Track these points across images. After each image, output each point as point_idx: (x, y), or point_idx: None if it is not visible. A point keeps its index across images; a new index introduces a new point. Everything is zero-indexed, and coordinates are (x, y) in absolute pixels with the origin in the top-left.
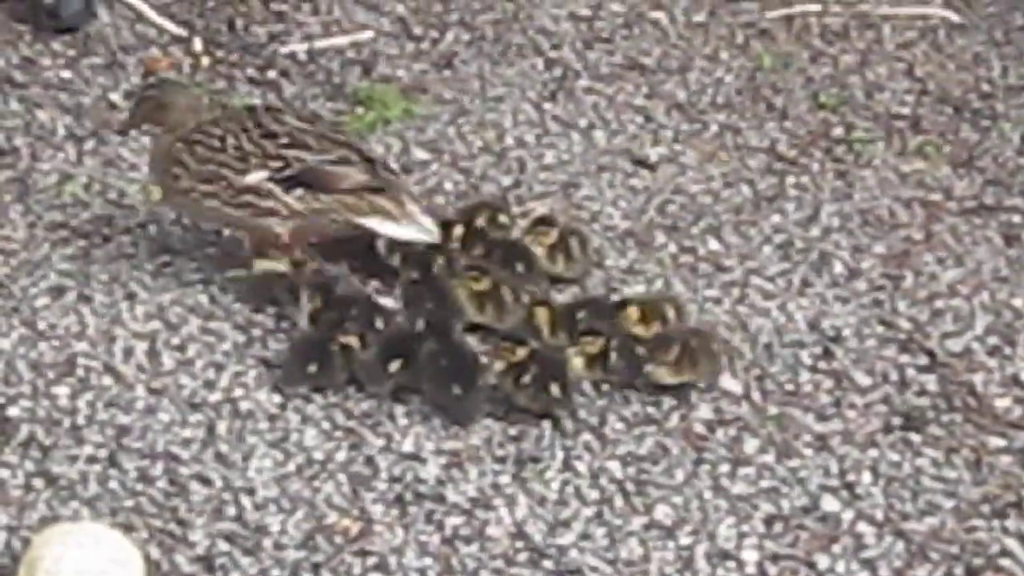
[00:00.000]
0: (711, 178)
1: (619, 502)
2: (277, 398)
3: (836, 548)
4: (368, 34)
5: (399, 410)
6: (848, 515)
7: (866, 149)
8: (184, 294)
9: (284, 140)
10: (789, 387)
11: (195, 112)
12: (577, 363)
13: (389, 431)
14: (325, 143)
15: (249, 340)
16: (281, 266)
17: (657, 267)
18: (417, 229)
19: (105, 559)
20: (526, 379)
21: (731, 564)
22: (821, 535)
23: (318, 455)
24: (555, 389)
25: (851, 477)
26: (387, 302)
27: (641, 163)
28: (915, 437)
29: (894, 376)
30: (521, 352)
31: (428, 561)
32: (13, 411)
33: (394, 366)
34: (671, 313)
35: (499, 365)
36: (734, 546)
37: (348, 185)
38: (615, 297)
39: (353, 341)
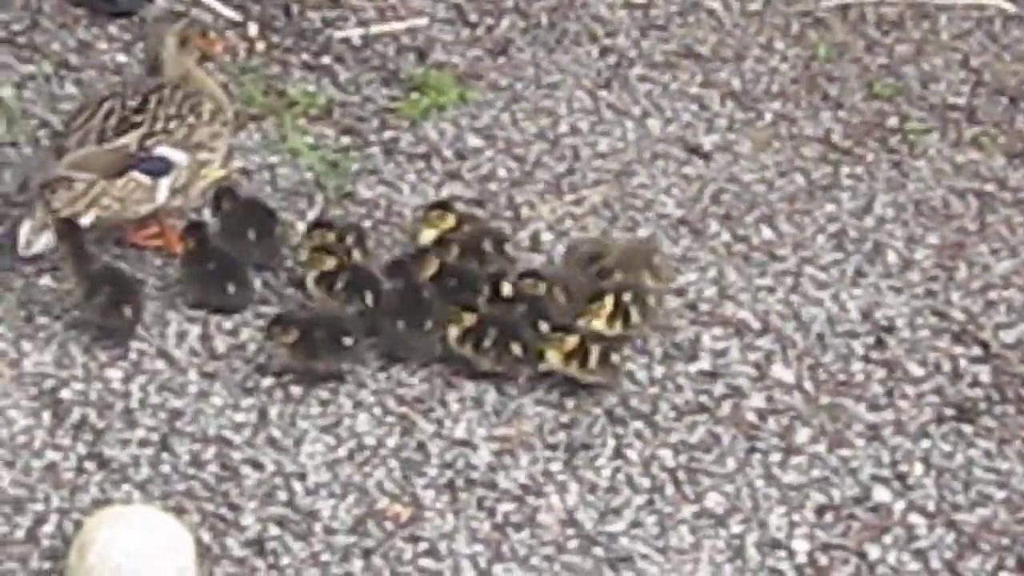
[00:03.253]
0: (765, 167)
1: (670, 490)
2: (330, 383)
3: (887, 539)
4: (423, 20)
5: (451, 396)
6: (900, 505)
7: (920, 139)
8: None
9: None
10: (841, 377)
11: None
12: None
13: (440, 417)
14: None
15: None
16: None
17: (710, 255)
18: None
19: (156, 543)
20: (486, 343)
21: (782, 553)
22: (872, 525)
23: (369, 440)
24: (516, 348)
25: (903, 467)
26: None
27: (695, 151)
28: (967, 428)
29: (947, 367)
30: (469, 317)
31: (479, 547)
32: (66, 394)
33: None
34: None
35: (453, 331)
36: (785, 535)
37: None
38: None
39: None
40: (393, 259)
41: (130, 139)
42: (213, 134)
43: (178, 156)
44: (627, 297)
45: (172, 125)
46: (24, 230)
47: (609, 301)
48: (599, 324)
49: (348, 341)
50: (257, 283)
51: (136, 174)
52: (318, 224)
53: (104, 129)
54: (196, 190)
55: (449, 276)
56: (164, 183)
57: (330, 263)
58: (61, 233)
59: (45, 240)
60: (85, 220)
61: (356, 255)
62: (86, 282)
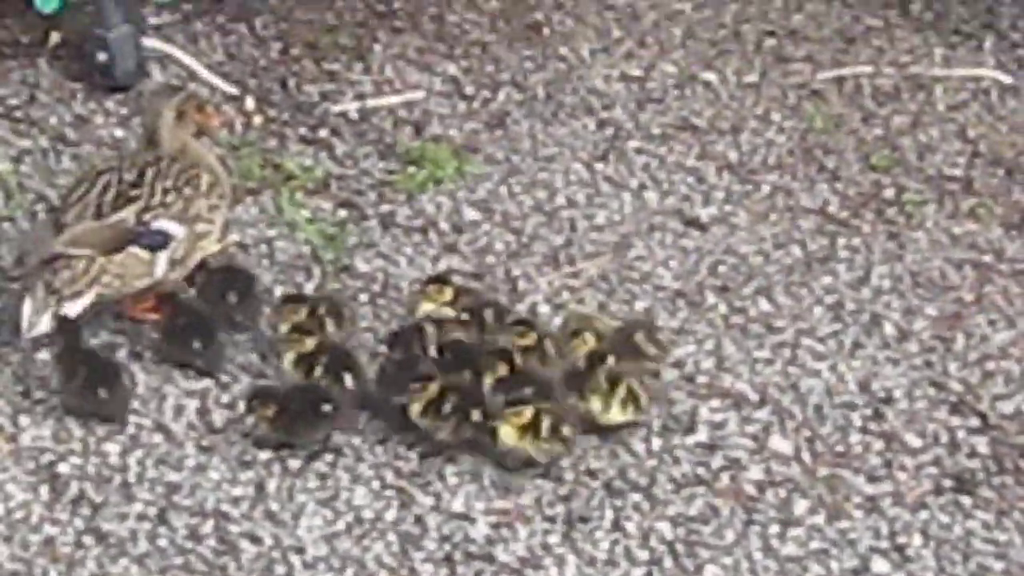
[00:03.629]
0: (762, 239)
1: (669, 563)
2: (328, 456)
3: None
4: (420, 94)
5: (449, 469)
6: None
7: (918, 210)
8: (236, 352)
9: None
10: (839, 448)
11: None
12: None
13: (438, 490)
14: None
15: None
16: None
17: (708, 327)
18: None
19: None
20: (446, 410)
21: None
22: None
23: (368, 514)
24: (476, 415)
25: (902, 539)
26: None
27: (692, 223)
28: (966, 499)
29: (945, 438)
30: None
31: None
32: (63, 468)
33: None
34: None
35: (416, 406)
36: None
37: None
38: None
39: None
40: (393, 332)
41: (128, 213)
42: (211, 206)
43: (176, 229)
44: (633, 383)
45: (169, 198)
46: (26, 311)
47: (622, 390)
48: (616, 413)
49: (327, 408)
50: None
51: (135, 249)
52: (288, 299)
53: (101, 204)
54: (193, 262)
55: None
56: (163, 257)
57: (309, 344)
58: (60, 328)
59: (48, 320)
60: (76, 308)
61: (331, 329)
62: (66, 364)
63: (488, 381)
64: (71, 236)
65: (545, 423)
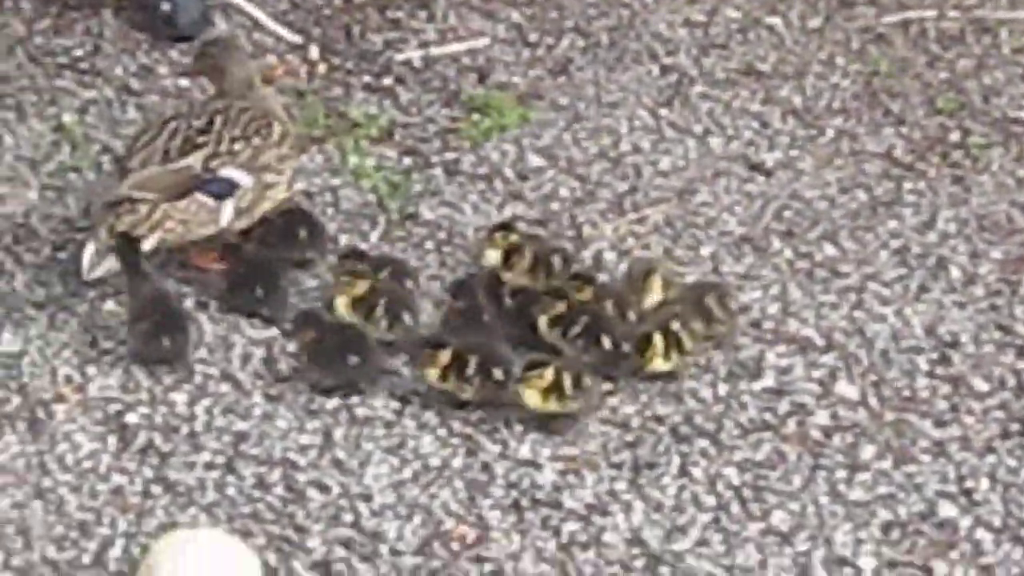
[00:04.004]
0: (827, 184)
1: (736, 508)
2: (394, 404)
3: (953, 555)
4: (484, 41)
5: (515, 416)
6: (966, 521)
7: (983, 154)
8: (302, 300)
9: None
10: (906, 393)
11: (246, 82)
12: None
13: (505, 437)
14: None
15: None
16: None
17: (773, 273)
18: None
19: (223, 566)
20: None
21: (848, 571)
22: (938, 542)
23: (434, 461)
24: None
25: (969, 483)
26: None
27: (757, 168)
28: None
29: (1012, 381)
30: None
31: (544, 567)
32: (131, 418)
33: None
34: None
35: (432, 372)
36: (851, 552)
37: None
38: None
39: None
40: (457, 280)
41: (194, 160)
42: (281, 156)
43: (243, 178)
44: (675, 326)
45: (237, 146)
46: (88, 253)
47: (659, 340)
48: (659, 363)
49: (354, 359)
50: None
51: (200, 196)
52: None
53: (168, 149)
54: (260, 212)
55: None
56: (228, 205)
57: (362, 287)
58: (121, 250)
59: (108, 264)
60: (147, 245)
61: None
62: (135, 304)
63: (543, 320)
64: (136, 180)
65: (567, 381)
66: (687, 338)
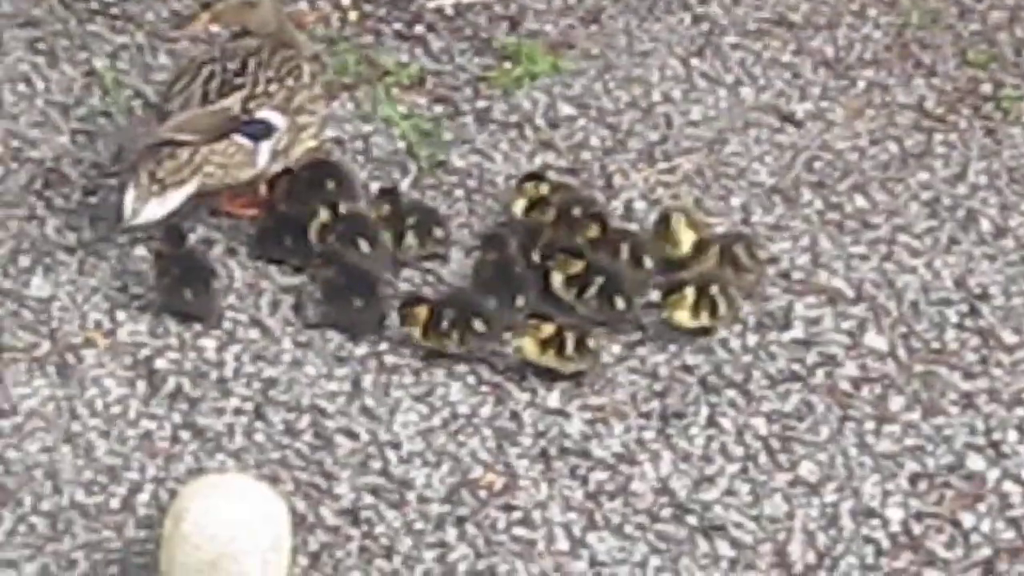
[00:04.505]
0: (858, 135)
1: (763, 459)
2: (422, 352)
3: (981, 507)
4: None
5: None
6: (994, 474)
7: (1015, 106)
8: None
9: None
10: (935, 345)
11: (277, 18)
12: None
13: (534, 386)
14: None
15: (395, 294)
16: None
17: (803, 224)
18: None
19: (251, 511)
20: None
21: (876, 522)
22: (966, 493)
23: (463, 409)
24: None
25: (997, 436)
26: None
27: (788, 119)
28: None
29: None
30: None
31: (572, 516)
32: (160, 363)
33: None
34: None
35: (415, 330)
36: (879, 504)
37: None
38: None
39: None
40: (487, 234)
41: (232, 101)
42: (312, 97)
43: (279, 119)
44: (714, 290)
45: (272, 87)
46: (129, 198)
47: (691, 292)
48: (682, 316)
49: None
50: None
51: (238, 137)
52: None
53: (207, 91)
54: (295, 155)
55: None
56: (265, 147)
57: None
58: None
59: (151, 210)
60: (179, 197)
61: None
62: (161, 260)
63: (559, 278)
64: (176, 123)
65: (570, 341)
66: (723, 302)
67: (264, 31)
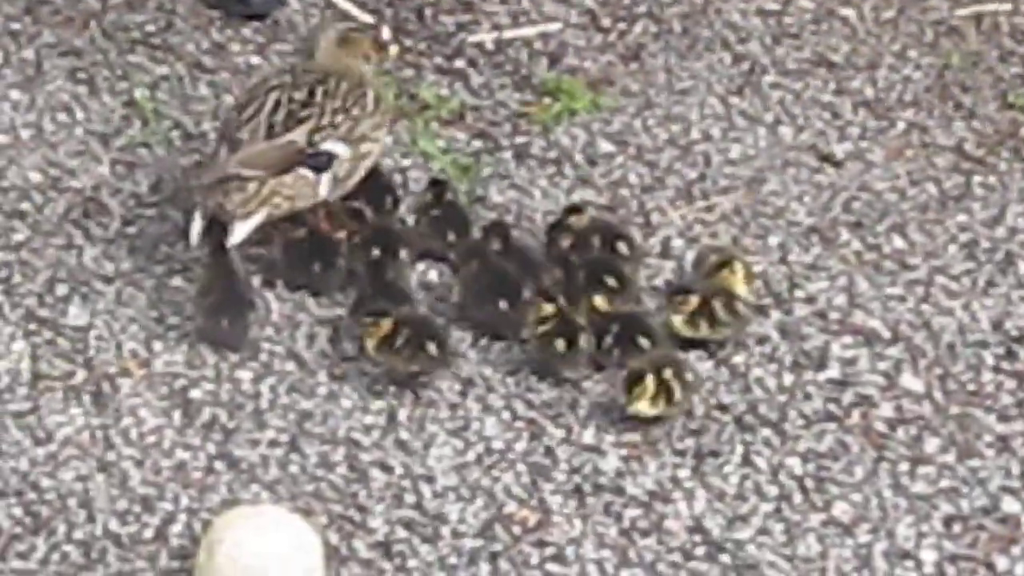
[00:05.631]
0: (897, 176)
1: (798, 498)
2: (458, 387)
3: (1016, 550)
4: (556, 25)
5: (581, 401)
6: None
7: None
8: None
9: None
10: (971, 387)
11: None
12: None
13: (569, 423)
14: None
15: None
16: None
17: (841, 264)
18: None
19: (285, 543)
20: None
21: (909, 563)
22: (1001, 536)
23: (498, 444)
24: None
25: None
26: None
27: (827, 159)
28: None
29: None
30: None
31: (606, 553)
32: (196, 393)
33: None
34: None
35: (369, 342)
36: (913, 545)
37: None
38: None
39: None
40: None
41: (298, 135)
42: (375, 125)
43: (342, 149)
44: (718, 302)
45: (339, 119)
46: (195, 228)
47: (694, 299)
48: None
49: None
50: None
51: (303, 170)
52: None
53: (273, 124)
54: (353, 182)
55: None
56: (326, 178)
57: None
58: (213, 233)
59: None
60: (247, 228)
61: None
62: (203, 279)
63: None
64: (244, 157)
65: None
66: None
67: (326, 62)
